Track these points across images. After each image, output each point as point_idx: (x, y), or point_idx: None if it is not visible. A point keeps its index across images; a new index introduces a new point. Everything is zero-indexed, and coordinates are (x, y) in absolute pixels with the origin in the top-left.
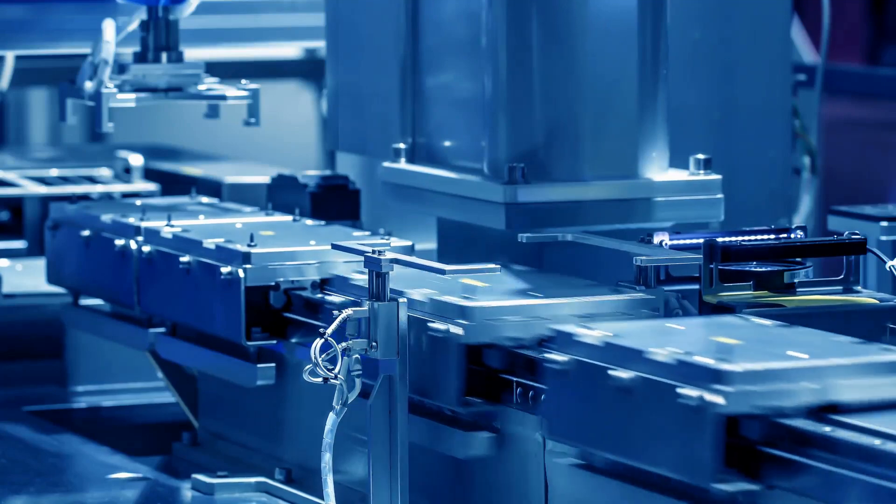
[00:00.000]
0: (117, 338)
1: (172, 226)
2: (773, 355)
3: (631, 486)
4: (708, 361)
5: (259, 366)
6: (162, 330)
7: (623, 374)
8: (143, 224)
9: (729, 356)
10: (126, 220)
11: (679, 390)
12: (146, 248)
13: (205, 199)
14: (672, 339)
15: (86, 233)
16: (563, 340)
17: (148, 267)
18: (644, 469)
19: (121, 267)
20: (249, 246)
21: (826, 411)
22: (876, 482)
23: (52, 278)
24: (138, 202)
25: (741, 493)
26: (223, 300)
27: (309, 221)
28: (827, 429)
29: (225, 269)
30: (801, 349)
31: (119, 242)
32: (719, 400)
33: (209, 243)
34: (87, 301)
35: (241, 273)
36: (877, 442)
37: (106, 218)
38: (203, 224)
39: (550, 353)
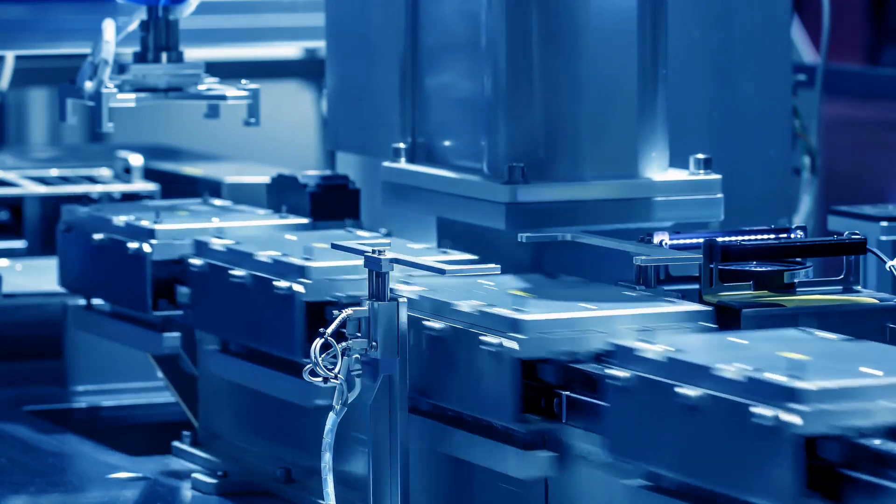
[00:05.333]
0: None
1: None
2: (847, 372)
3: None
4: (780, 379)
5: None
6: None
7: (690, 391)
8: (157, 227)
9: (802, 373)
10: (139, 223)
11: (752, 409)
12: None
13: (218, 202)
14: (737, 354)
15: (98, 236)
16: (624, 355)
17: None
18: (715, 491)
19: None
20: None
21: None
22: None
23: (64, 281)
24: (150, 203)
25: None
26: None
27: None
28: None
29: None
30: (873, 365)
31: (132, 245)
32: (796, 420)
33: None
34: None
35: None
36: None
37: (119, 221)
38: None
39: (611, 368)
